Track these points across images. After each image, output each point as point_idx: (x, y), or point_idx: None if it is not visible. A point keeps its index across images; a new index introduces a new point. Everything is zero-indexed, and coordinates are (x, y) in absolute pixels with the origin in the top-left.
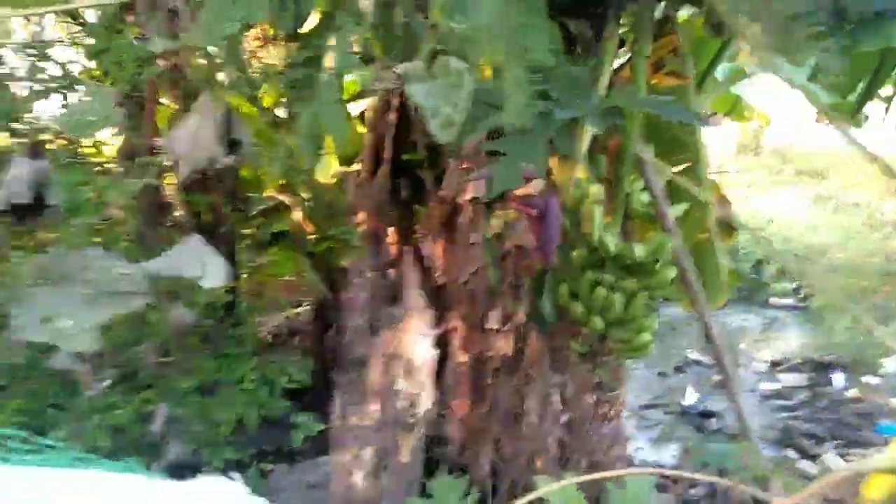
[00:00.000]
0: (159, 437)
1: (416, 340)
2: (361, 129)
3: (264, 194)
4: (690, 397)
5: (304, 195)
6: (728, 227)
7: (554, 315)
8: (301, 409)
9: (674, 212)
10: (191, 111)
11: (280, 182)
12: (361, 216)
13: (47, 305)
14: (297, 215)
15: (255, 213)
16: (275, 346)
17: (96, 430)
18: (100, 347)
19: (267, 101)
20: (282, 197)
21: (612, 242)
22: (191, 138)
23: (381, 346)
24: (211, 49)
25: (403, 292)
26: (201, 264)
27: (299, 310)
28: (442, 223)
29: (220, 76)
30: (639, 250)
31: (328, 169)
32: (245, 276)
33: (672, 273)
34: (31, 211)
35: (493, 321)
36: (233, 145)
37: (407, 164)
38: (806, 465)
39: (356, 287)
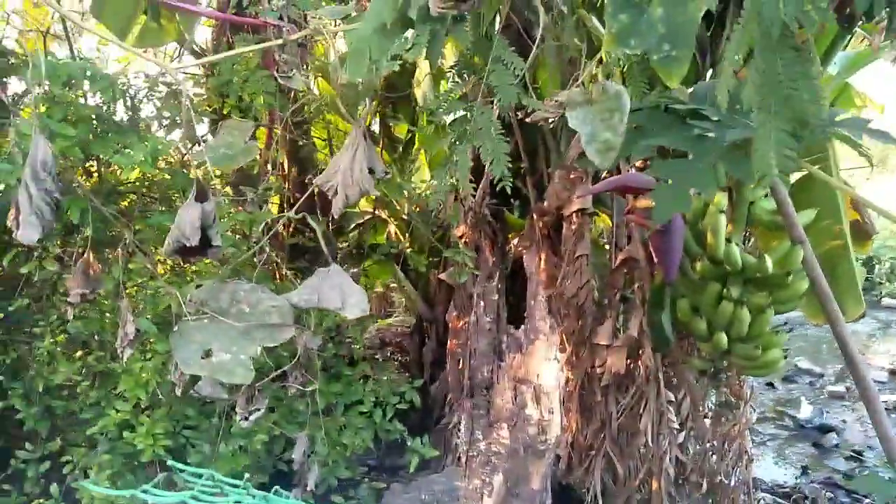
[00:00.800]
0: (297, 464)
1: (544, 365)
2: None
3: (359, 209)
4: (805, 410)
5: (400, 209)
6: (863, 233)
7: (672, 331)
8: (401, 421)
9: (802, 218)
10: (344, 145)
11: (374, 197)
12: (461, 229)
13: (205, 339)
14: (392, 229)
15: (351, 227)
16: (377, 362)
17: (234, 453)
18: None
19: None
20: (378, 211)
21: (739, 254)
22: (345, 173)
23: (508, 370)
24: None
25: (529, 315)
26: (342, 294)
27: (390, 320)
28: (545, 235)
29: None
30: (769, 261)
31: (421, 181)
32: None
33: (805, 285)
34: (196, 251)
35: (602, 336)
36: (369, 174)
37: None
38: None
39: (481, 311)
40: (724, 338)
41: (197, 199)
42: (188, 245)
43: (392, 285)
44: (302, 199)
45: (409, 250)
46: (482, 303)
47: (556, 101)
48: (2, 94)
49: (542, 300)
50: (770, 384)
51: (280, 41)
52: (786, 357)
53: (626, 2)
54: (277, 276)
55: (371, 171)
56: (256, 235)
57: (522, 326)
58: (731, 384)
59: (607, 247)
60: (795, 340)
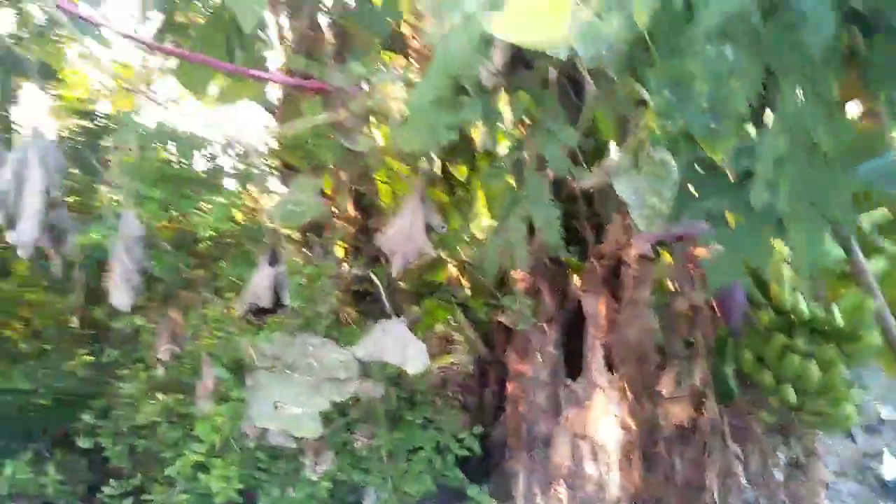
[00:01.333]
0: None
1: (602, 420)
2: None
3: None
4: (890, 466)
5: (461, 250)
6: None
7: (737, 383)
8: (461, 466)
9: (872, 266)
10: (402, 207)
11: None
12: (520, 273)
13: (277, 393)
14: (452, 269)
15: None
16: (436, 405)
17: (303, 502)
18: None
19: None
20: (438, 251)
21: (806, 305)
22: (404, 233)
23: (566, 424)
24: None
25: (586, 367)
26: (403, 349)
27: (451, 358)
28: (604, 280)
29: None
30: (837, 314)
31: (480, 223)
32: None
33: (877, 339)
34: (269, 311)
35: (665, 385)
36: (427, 230)
37: (564, 217)
38: None
39: (538, 363)
40: (791, 392)
41: (269, 263)
42: (261, 306)
43: (452, 323)
44: (367, 256)
45: (468, 293)
46: (539, 356)
47: (604, 170)
48: (92, 157)
49: (599, 351)
50: (849, 435)
51: (343, 112)
52: (857, 412)
53: (668, 77)
54: (343, 321)
55: (429, 229)
56: (323, 287)
57: (580, 379)
58: (804, 438)
59: (669, 284)
60: (876, 386)
